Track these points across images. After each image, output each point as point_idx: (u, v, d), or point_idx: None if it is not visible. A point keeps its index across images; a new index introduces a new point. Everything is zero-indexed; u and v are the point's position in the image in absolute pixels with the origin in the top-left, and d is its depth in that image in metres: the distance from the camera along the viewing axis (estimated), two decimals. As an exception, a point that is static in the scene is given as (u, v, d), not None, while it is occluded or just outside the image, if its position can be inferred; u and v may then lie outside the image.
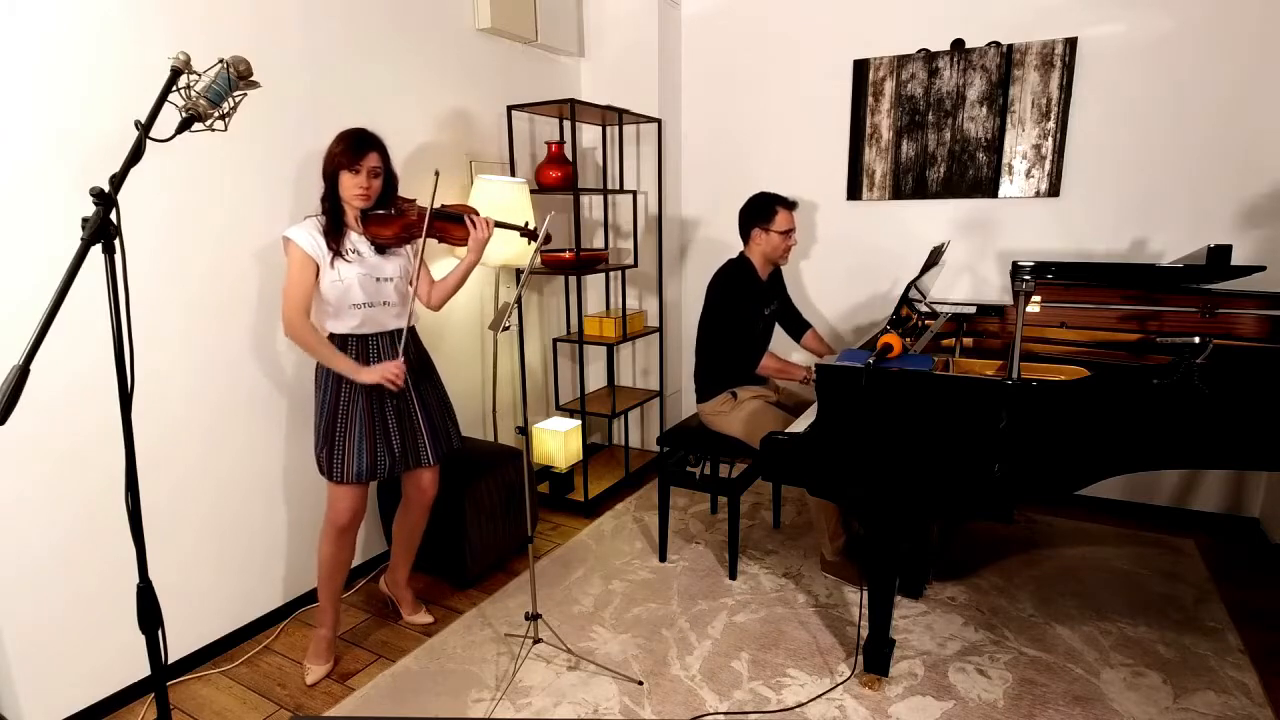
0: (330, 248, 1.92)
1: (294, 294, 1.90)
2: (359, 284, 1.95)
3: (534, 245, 2.23)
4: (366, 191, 1.93)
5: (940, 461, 1.75)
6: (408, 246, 2.09)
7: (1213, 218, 2.74)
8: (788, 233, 2.58)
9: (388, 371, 1.96)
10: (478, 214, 2.10)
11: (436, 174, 1.99)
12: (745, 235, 2.65)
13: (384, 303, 2.02)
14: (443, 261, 2.86)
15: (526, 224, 2.24)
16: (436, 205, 2.00)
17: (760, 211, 2.58)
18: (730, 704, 1.94)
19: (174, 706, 1.98)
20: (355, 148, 1.90)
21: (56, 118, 1.73)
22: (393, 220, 2.00)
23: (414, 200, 2.07)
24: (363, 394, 2.00)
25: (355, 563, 2.64)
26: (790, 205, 2.59)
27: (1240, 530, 2.88)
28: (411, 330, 2.11)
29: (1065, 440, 1.71)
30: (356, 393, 2.00)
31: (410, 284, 2.10)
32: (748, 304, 2.59)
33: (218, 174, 2.07)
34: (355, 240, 1.98)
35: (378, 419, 2.03)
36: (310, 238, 1.90)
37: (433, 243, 2.17)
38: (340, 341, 1.99)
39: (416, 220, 2.02)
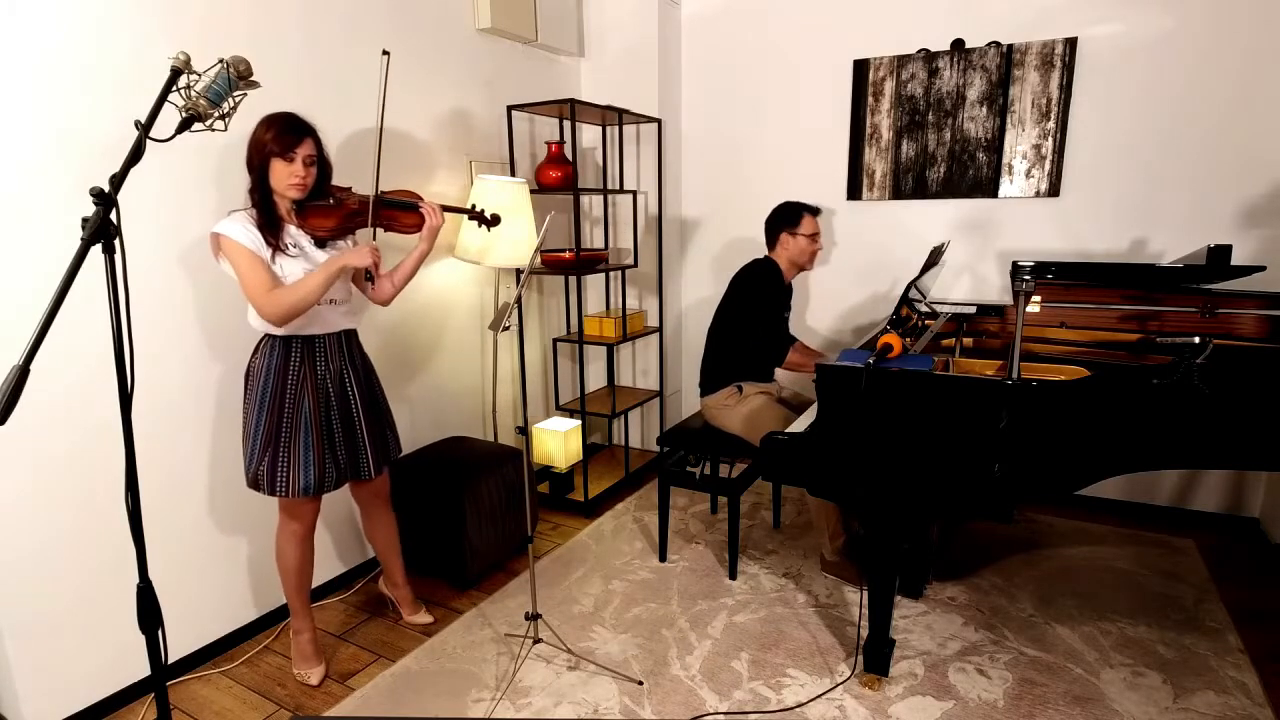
0: (269, 243, 1.77)
1: (259, 283, 1.73)
2: None
3: (484, 228, 2.21)
4: (303, 181, 1.79)
5: (940, 461, 1.75)
6: (349, 239, 1.98)
7: (1213, 218, 2.74)
8: (813, 236, 2.66)
9: (376, 254, 1.83)
10: (423, 199, 2.00)
11: (386, 54, 1.80)
12: (772, 240, 2.71)
13: (330, 300, 1.89)
14: (452, 259, 2.86)
15: (474, 206, 2.19)
16: (378, 192, 1.91)
17: (788, 216, 2.66)
18: (730, 704, 1.94)
19: (174, 706, 1.98)
20: (288, 133, 1.75)
21: (57, 118, 1.73)
22: (332, 211, 1.88)
23: (350, 188, 1.97)
24: (309, 397, 1.88)
25: (355, 563, 2.65)
26: (815, 211, 2.68)
27: (1240, 530, 2.88)
28: (354, 333, 2.02)
29: (1065, 440, 1.71)
30: (302, 396, 1.88)
31: (356, 279, 2.02)
32: (770, 304, 2.62)
33: (217, 174, 2.07)
34: (294, 234, 1.85)
35: (324, 426, 1.92)
36: (245, 231, 1.75)
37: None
38: (284, 343, 1.86)
39: (358, 209, 1.91)
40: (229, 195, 2.09)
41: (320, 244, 1.91)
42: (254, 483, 1.91)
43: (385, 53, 1.81)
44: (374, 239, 1.96)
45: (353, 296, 2.03)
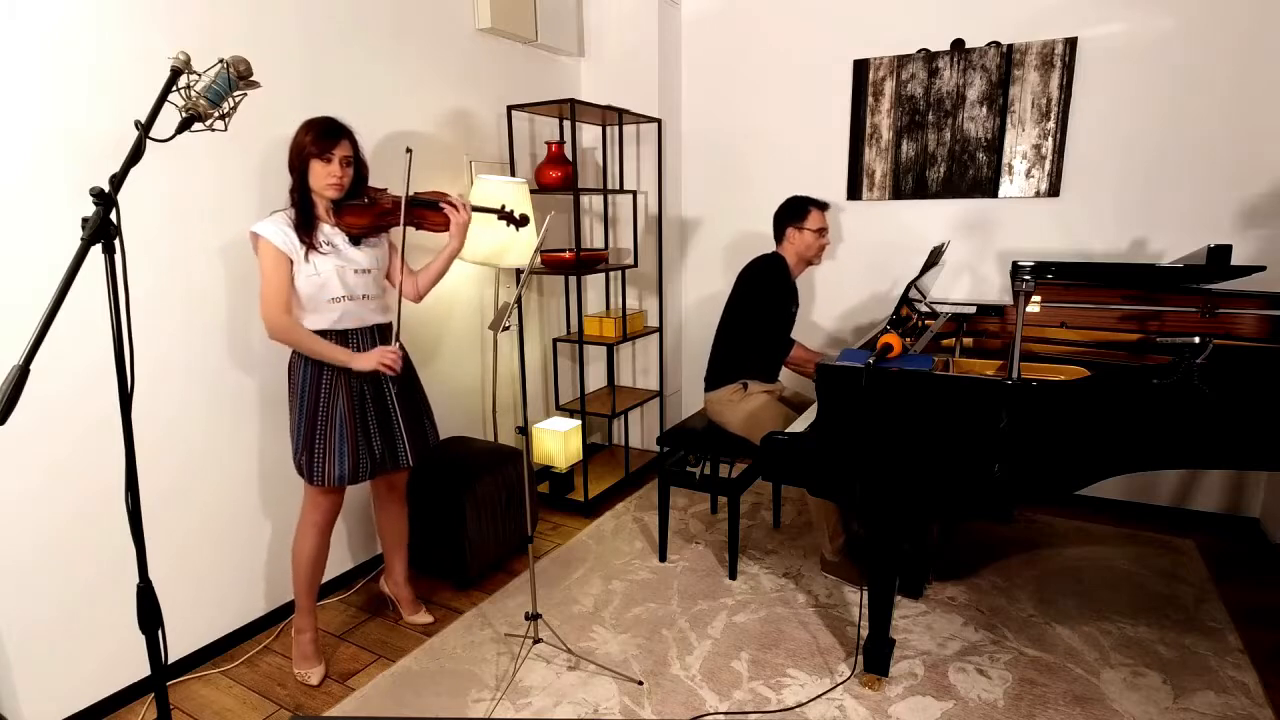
0: (303, 241, 1.86)
1: (272, 293, 1.84)
2: (336, 276, 1.90)
3: (512, 228, 2.22)
4: (340, 181, 1.87)
5: (940, 461, 1.75)
6: (383, 236, 2.05)
7: (1213, 218, 2.74)
8: (820, 231, 2.66)
9: (384, 357, 1.92)
10: (451, 197, 2.06)
11: (409, 151, 1.92)
12: (780, 235, 2.71)
13: (363, 295, 1.97)
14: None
15: (504, 206, 2.20)
16: (410, 191, 1.97)
17: (795, 211, 2.66)
18: (730, 704, 1.94)
19: (174, 706, 1.98)
20: (326, 136, 1.84)
21: (57, 118, 1.73)
22: (367, 210, 1.95)
23: (385, 189, 2.04)
24: (343, 392, 1.95)
25: (355, 563, 2.65)
26: (823, 206, 2.68)
27: (1240, 530, 2.88)
28: (387, 327, 2.07)
29: (1065, 440, 1.71)
30: (337, 392, 1.95)
31: (388, 276, 2.06)
32: (778, 299, 2.62)
33: (217, 174, 2.07)
34: (328, 232, 1.92)
35: (359, 419, 1.99)
36: (280, 232, 1.84)
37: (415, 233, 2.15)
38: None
39: (392, 208, 1.97)
40: (230, 197, 2.10)
41: (355, 241, 1.97)
42: (298, 470, 1.99)
43: (408, 150, 1.93)
44: (403, 239, 1.98)
45: (385, 293, 2.06)
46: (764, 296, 2.61)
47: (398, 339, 1.98)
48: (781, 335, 2.65)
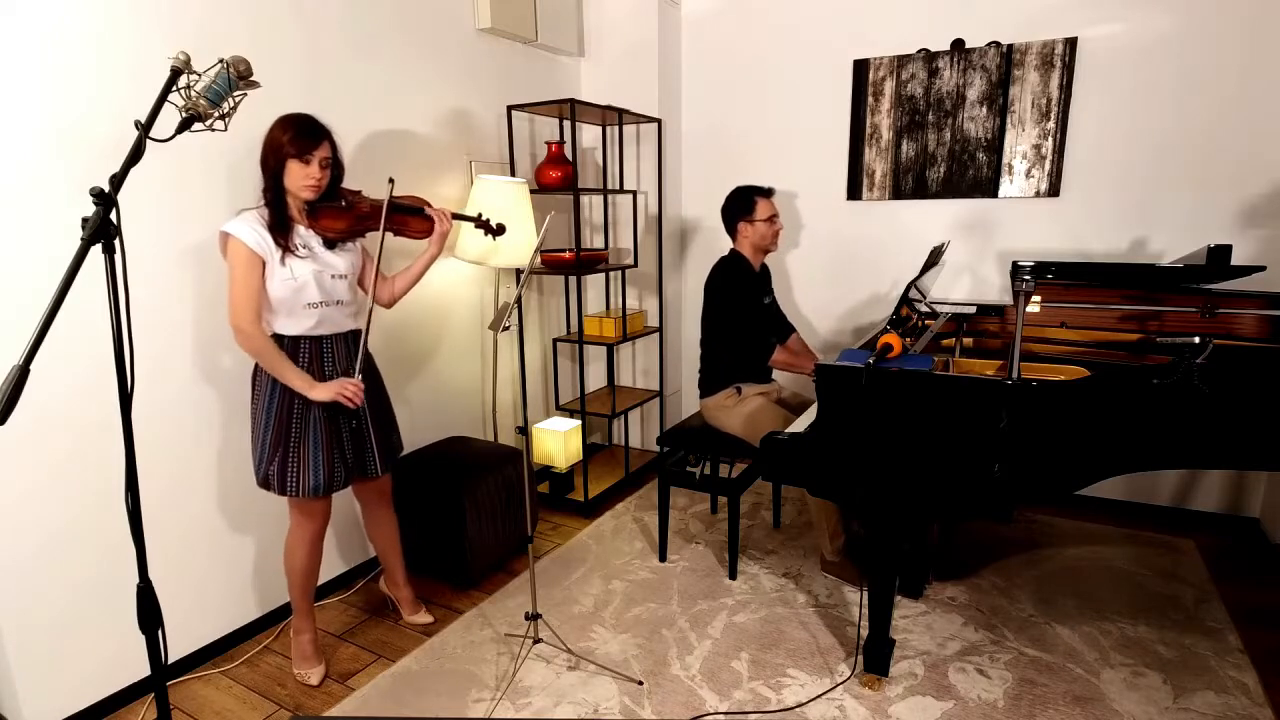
0: (279, 243, 1.78)
1: (243, 296, 1.75)
2: (314, 281, 1.84)
3: (489, 237, 2.22)
4: (318, 183, 1.80)
5: (940, 462, 1.75)
6: (358, 241, 2.00)
7: (1213, 218, 2.74)
8: (771, 219, 2.64)
9: (344, 389, 1.85)
10: (430, 205, 2.03)
11: (391, 181, 1.91)
12: (732, 231, 2.69)
13: (338, 301, 1.92)
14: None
15: (480, 215, 2.20)
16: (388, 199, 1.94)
17: (741, 205, 2.64)
18: (730, 704, 1.94)
19: (174, 706, 1.98)
20: (306, 136, 1.76)
21: (57, 118, 1.73)
22: (344, 213, 1.90)
23: (360, 191, 1.99)
24: (318, 402, 1.90)
25: (355, 563, 2.65)
26: (767, 193, 2.66)
27: (1240, 530, 2.88)
28: (359, 333, 2.01)
29: (1065, 440, 1.71)
30: (311, 401, 1.88)
31: (361, 282, 2.03)
32: (745, 296, 2.61)
33: (216, 175, 2.06)
34: (304, 235, 1.86)
35: (333, 427, 1.93)
36: (253, 232, 1.75)
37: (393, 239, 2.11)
38: (292, 344, 1.87)
39: (370, 213, 1.93)
40: (229, 197, 2.09)
41: (330, 245, 1.91)
42: (264, 483, 1.92)
43: (391, 180, 1.91)
44: (380, 244, 1.96)
45: (358, 298, 2.03)
46: (731, 299, 2.59)
47: (360, 366, 1.93)
48: (762, 331, 2.63)
